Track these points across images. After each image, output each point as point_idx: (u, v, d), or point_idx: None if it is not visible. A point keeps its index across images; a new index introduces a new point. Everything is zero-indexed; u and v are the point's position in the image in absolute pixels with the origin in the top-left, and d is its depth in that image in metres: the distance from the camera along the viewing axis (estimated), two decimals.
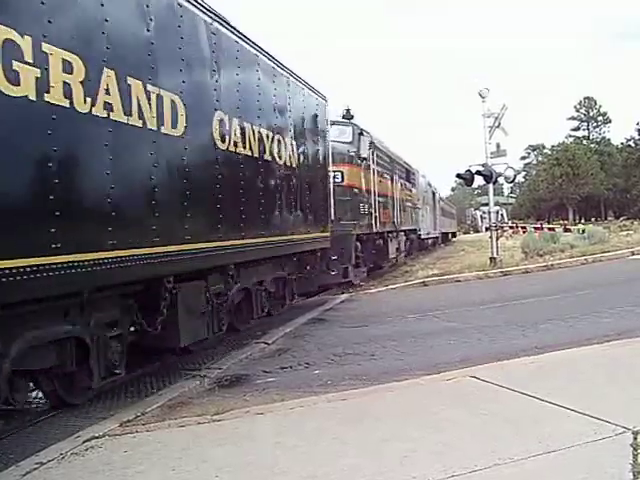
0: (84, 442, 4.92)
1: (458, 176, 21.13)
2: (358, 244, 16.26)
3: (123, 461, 4.49)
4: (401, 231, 23.53)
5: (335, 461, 4.15)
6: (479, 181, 21.30)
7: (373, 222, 17.78)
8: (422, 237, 31.37)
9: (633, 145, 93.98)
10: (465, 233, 78.52)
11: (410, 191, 26.98)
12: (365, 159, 17.04)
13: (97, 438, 5.02)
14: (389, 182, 21.64)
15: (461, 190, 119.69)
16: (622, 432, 4.10)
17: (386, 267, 21.99)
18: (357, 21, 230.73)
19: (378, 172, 19.06)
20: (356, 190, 16.10)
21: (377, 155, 19.10)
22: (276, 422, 5.17)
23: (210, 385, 7.04)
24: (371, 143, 17.92)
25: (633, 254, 19.84)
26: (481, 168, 20.11)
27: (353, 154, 16.23)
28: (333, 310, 12.93)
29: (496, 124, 20.32)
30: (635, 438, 3.98)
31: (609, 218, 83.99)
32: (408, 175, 26.99)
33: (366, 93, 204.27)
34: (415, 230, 28.19)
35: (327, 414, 5.26)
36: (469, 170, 20.31)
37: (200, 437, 4.90)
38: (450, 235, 58.51)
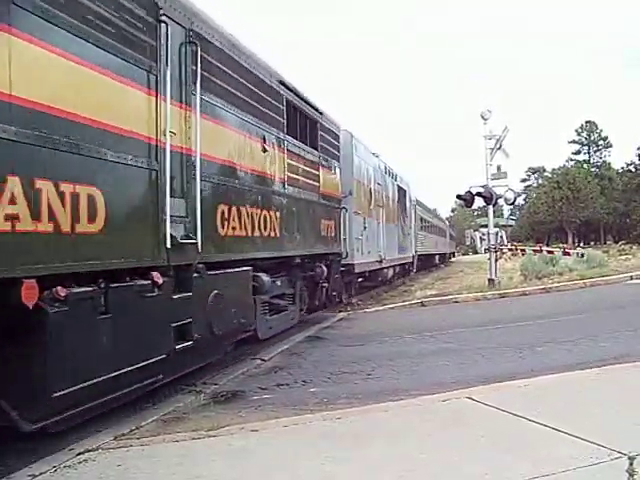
0: (78, 455, 4.90)
1: (458, 197, 21.20)
2: None
3: (117, 475, 4.47)
4: (237, 262, 8.59)
5: None
6: (479, 202, 21.41)
7: None
8: (357, 269, 16.95)
9: (633, 170, 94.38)
10: (464, 254, 78.61)
11: (318, 168, 12.90)
12: None
13: (91, 451, 5.00)
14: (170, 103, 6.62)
15: (461, 211, 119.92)
16: (618, 457, 4.08)
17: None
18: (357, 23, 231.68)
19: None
20: None
21: None
22: (271, 439, 5.15)
23: (205, 400, 7.02)
24: None
25: (632, 278, 19.83)
26: (481, 189, 20.19)
27: None
28: (330, 328, 12.92)
29: (497, 146, 20.42)
30: (631, 464, 3.96)
31: (608, 242, 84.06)
32: (310, 131, 12.65)
33: (364, 106, 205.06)
34: (337, 255, 14.52)
35: (322, 432, 5.24)
36: (469, 191, 20.39)
37: (194, 452, 4.88)
38: (437, 258, 46.04)
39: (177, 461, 4.66)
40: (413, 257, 29.14)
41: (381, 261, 20.28)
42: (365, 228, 17.93)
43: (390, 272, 23.57)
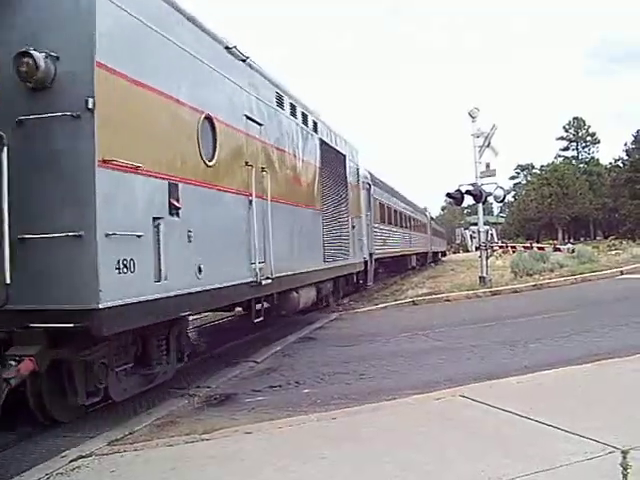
0: (71, 461, 4.87)
1: (448, 195, 21.20)
2: None
3: None
4: None
5: None
6: (469, 201, 21.51)
7: None
8: (114, 326, 5.88)
9: (621, 165, 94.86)
10: (455, 252, 78.74)
11: None
12: None
13: (84, 457, 4.97)
14: None
15: (451, 209, 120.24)
16: (611, 452, 4.10)
17: None
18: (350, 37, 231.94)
19: None
20: None
21: None
22: (265, 441, 5.14)
23: (199, 404, 7.00)
24: None
25: (622, 273, 19.90)
26: (471, 188, 20.21)
27: None
28: (323, 329, 12.90)
29: (486, 144, 20.44)
30: (624, 457, 3.98)
31: (598, 238, 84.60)
32: None
33: (354, 107, 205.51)
34: None
35: (316, 433, 5.23)
36: (459, 190, 20.40)
37: (188, 457, 4.86)
38: (414, 260, 35.66)
39: (171, 465, 4.64)
40: (366, 263, 19.20)
41: (260, 283, 9.34)
42: (175, 211, 7.09)
43: (303, 297, 12.44)
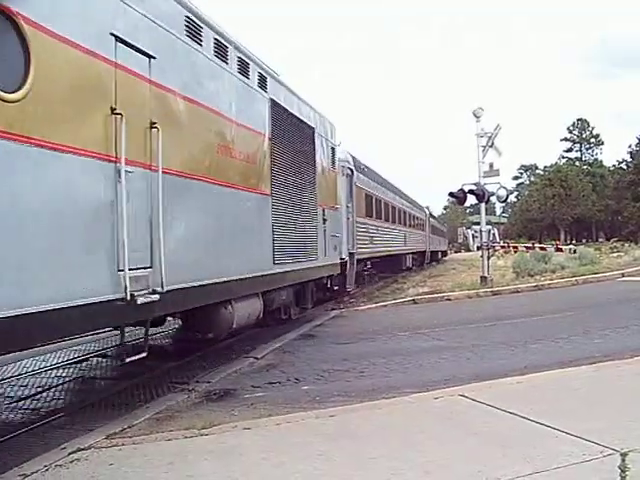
0: (69, 454, 4.87)
1: (451, 195, 21.19)
2: None
3: (109, 474, 4.45)
4: None
5: (321, 478, 4.13)
6: (471, 200, 21.47)
7: None
8: None
9: (625, 167, 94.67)
10: (456, 252, 78.77)
11: None
12: None
13: (83, 450, 4.97)
14: None
15: (453, 209, 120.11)
16: (610, 454, 4.09)
17: None
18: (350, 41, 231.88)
19: None
20: None
21: None
22: (263, 437, 5.13)
23: (198, 399, 7.00)
24: None
25: (623, 276, 19.88)
26: (474, 187, 20.21)
27: None
28: (323, 326, 12.90)
29: (489, 144, 20.42)
30: (623, 460, 3.97)
31: (600, 239, 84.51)
32: None
33: (357, 108, 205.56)
34: None
35: (314, 430, 5.23)
36: (462, 189, 20.39)
37: (187, 451, 4.86)
38: (410, 260, 32.96)
39: (169, 460, 4.64)
40: (345, 264, 16.45)
41: (133, 302, 5.99)
42: None
43: (240, 312, 9.14)
